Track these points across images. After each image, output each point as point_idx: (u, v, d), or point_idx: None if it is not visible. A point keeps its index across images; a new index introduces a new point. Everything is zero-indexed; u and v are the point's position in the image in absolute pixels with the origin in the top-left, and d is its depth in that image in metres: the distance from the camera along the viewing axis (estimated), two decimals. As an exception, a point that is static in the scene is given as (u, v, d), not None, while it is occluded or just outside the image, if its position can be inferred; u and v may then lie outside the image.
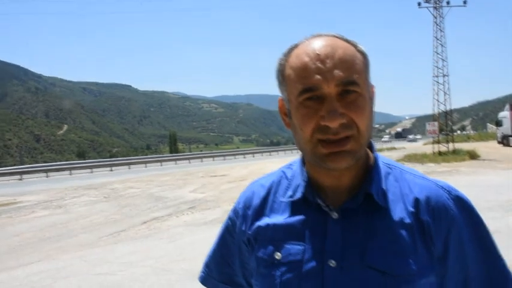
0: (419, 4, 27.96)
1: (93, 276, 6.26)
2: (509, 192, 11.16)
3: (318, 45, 0.88)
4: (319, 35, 0.91)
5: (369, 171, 0.96)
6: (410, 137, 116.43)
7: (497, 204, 9.44)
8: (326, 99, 0.85)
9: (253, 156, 51.74)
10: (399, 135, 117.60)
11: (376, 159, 0.98)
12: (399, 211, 0.92)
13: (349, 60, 0.86)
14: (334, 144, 0.85)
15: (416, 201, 0.93)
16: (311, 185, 0.96)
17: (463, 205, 0.95)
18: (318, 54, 0.86)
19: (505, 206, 9.27)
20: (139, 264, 6.72)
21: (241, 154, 54.36)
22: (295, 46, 0.93)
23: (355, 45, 0.91)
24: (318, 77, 0.84)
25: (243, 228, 1.05)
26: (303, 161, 1.01)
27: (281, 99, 0.98)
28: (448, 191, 0.95)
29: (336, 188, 0.95)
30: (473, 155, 24.81)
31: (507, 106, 36.89)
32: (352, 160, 0.87)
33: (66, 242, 8.82)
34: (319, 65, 0.85)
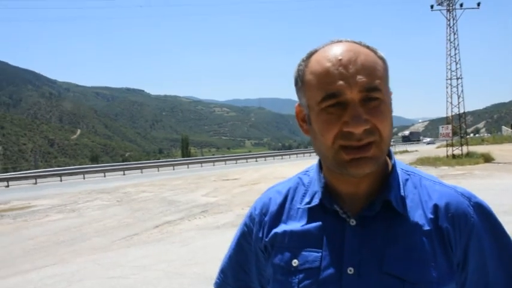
0: (432, 7, 27.81)
1: (106, 279, 6.30)
2: (525, 196, 10.99)
3: (339, 50, 0.87)
4: (339, 41, 0.90)
5: (387, 177, 0.95)
6: (427, 139, 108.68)
7: (512, 208, 9.30)
8: (349, 105, 0.83)
9: (265, 160, 51.72)
10: (407, 139, 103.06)
11: (394, 166, 0.97)
12: (418, 218, 0.91)
13: (371, 66, 0.85)
14: (356, 150, 0.84)
15: (436, 208, 0.92)
16: (329, 192, 0.95)
17: (483, 212, 0.94)
18: (340, 60, 0.84)
19: (520, 210, 9.13)
20: (151, 267, 6.75)
21: (253, 158, 54.35)
22: (315, 51, 0.91)
23: (375, 51, 0.90)
24: (341, 82, 0.83)
25: (260, 235, 1.04)
26: (320, 167, 1.00)
27: (298, 105, 0.96)
28: (468, 197, 0.94)
29: (354, 195, 0.93)
30: (487, 158, 24.54)
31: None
32: (374, 166, 0.86)
33: (79, 246, 8.90)
34: (342, 70, 0.84)
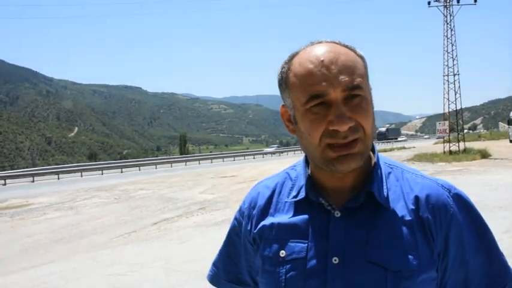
0: (429, 3, 27.78)
1: (104, 277, 6.32)
2: (521, 191, 11.05)
3: (320, 51, 0.90)
4: (319, 42, 0.94)
5: (371, 171, 0.98)
6: (403, 137, 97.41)
7: (508, 203, 9.35)
8: (333, 104, 0.87)
9: (263, 157, 51.74)
10: (382, 137, 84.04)
11: (377, 160, 1.00)
12: (400, 209, 0.94)
13: (352, 65, 0.89)
14: (343, 147, 0.87)
15: (417, 199, 0.95)
16: (314, 186, 0.98)
17: (462, 202, 0.97)
18: (322, 61, 0.88)
19: (516, 206, 9.18)
20: (150, 265, 6.77)
21: (251, 155, 54.39)
22: (296, 53, 0.94)
23: (354, 50, 0.93)
24: (324, 83, 0.86)
25: (249, 228, 1.08)
26: (306, 162, 1.04)
27: (283, 106, 1.00)
28: (447, 189, 0.97)
29: (339, 188, 0.97)
30: (484, 154, 24.64)
31: (519, 104, 36.54)
32: (360, 161, 0.90)
33: (77, 243, 8.91)
34: (325, 71, 0.87)
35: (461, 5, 27.42)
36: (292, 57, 0.95)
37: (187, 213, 11.69)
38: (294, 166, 1.11)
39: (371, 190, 0.94)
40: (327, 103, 0.87)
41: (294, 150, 59.52)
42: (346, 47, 0.93)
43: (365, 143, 0.89)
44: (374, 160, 1.00)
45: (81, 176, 33.91)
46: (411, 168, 1.04)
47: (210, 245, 7.62)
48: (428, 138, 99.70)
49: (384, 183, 0.97)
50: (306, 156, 1.03)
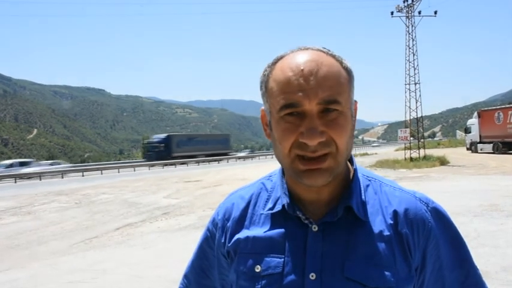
0: (392, 13, 28.58)
1: (64, 284, 6.12)
2: (477, 197, 11.44)
3: (302, 59, 0.87)
4: (306, 48, 0.91)
5: (349, 184, 0.97)
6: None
7: (466, 209, 9.67)
8: (306, 116, 0.84)
9: (228, 162, 51.69)
10: None
11: (355, 172, 0.99)
12: (378, 223, 0.93)
13: (332, 78, 0.85)
14: (311, 161, 0.85)
15: (395, 213, 0.94)
16: (291, 198, 0.96)
17: (439, 217, 0.98)
18: (302, 70, 0.85)
19: (473, 211, 9.50)
20: (112, 271, 6.61)
21: (216, 160, 54.19)
22: (281, 57, 0.92)
23: (340, 62, 0.90)
24: (300, 94, 0.84)
25: (223, 241, 1.04)
26: (283, 173, 1.02)
27: (263, 110, 0.97)
28: (426, 203, 0.98)
29: (316, 201, 0.95)
30: (443, 161, 25.46)
31: (475, 114, 37.89)
32: (329, 177, 0.87)
33: (35, 250, 8.61)
34: (302, 81, 0.84)
35: (422, 16, 28.41)
36: (276, 61, 0.92)
37: (151, 218, 11.50)
38: (270, 176, 1.08)
39: (350, 204, 0.92)
40: (301, 114, 0.85)
41: (259, 156, 59.93)
42: (334, 57, 0.90)
43: (336, 159, 0.86)
44: (352, 172, 0.99)
45: (40, 179, 32.87)
46: (389, 181, 1.03)
47: (174, 250, 7.58)
48: (379, 146, 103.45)
49: (363, 196, 0.95)
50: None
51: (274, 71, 0.90)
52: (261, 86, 0.94)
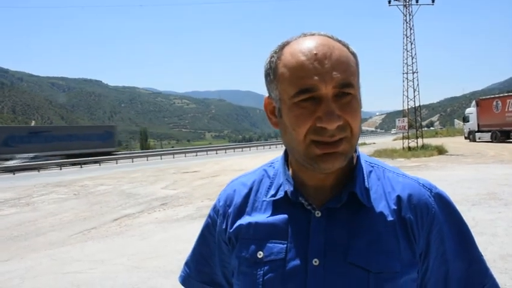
0: (389, 2, 28.42)
1: (62, 275, 6.13)
2: (475, 186, 11.48)
3: (313, 44, 0.85)
4: (312, 34, 0.89)
5: (353, 170, 0.96)
6: None
7: (464, 198, 9.70)
8: (323, 100, 0.83)
9: (225, 152, 51.69)
10: None
11: (358, 158, 0.98)
12: (382, 209, 0.92)
13: (345, 62, 0.85)
14: (328, 145, 0.84)
15: (399, 199, 0.93)
16: (294, 184, 0.95)
17: (443, 202, 0.96)
18: (316, 54, 0.83)
19: (470, 200, 9.53)
20: (110, 262, 6.62)
21: (213, 150, 54.22)
22: (287, 43, 0.90)
23: (347, 47, 0.89)
24: (316, 78, 0.82)
25: (224, 227, 1.03)
26: (286, 159, 1.01)
27: (268, 98, 0.95)
28: (429, 188, 0.96)
29: (320, 187, 0.94)
30: (441, 150, 25.46)
31: (473, 103, 37.93)
32: (345, 161, 0.87)
33: (34, 241, 8.62)
34: (317, 65, 0.83)
35: (420, 4, 28.22)
36: (283, 47, 0.90)
37: (149, 209, 11.52)
38: (272, 163, 1.07)
39: (354, 190, 0.91)
40: (316, 98, 0.83)
41: (250, 147, 59.84)
42: (340, 42, 0.89)
43: (351, 142, 0.86)
44: (355, 158, 0.98)
45: (38, 171, 32.90)
46: (392, 167, 1.02)
47: (172, 241, 7.60)
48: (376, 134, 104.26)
49: (366, 183, 0.94)
50: (285, 153, 1.00)
51: (283, 56, 0.88)
52: (267, 73, 0.92)
